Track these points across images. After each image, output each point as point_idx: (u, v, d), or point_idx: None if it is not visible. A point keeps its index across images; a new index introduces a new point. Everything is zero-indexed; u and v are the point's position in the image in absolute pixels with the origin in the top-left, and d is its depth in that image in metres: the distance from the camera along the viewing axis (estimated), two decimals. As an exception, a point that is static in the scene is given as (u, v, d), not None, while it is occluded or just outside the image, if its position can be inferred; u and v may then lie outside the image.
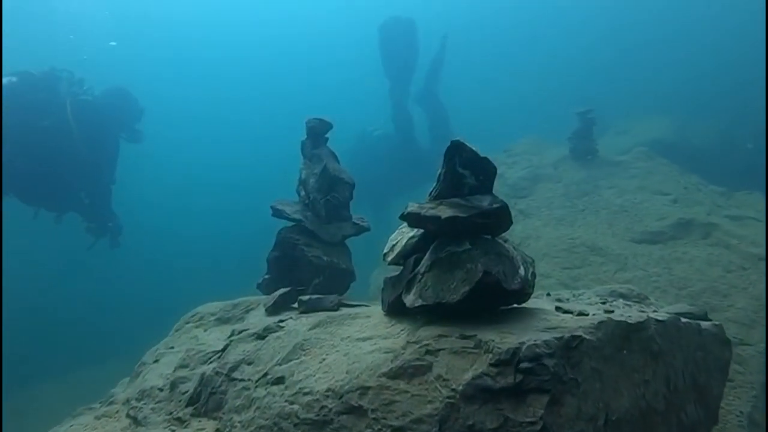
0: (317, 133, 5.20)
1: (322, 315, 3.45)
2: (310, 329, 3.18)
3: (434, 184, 2.79)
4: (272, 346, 3.29)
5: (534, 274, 2.82)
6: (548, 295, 4.26)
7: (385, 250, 3.09)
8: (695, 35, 21.60)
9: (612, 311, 2.90)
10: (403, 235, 3.02)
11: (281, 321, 3.74)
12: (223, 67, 29.43)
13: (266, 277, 5.24)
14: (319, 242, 5.06)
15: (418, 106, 16.46)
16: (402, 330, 2.78)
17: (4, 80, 8.11)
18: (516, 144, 12.38)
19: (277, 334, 3.43)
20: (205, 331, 4.51)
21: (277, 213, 5.24)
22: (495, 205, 2.58)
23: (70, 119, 8.42)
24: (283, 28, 30.62)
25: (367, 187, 15.06)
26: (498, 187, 3.04)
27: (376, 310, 3.27)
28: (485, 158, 2.66)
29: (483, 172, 2.66)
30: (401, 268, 3.04)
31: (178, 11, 29.36)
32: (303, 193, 5.15)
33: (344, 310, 3.66)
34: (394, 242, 3.06)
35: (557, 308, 2.84)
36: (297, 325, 3.48)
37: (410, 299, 2.67)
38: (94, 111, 8.96)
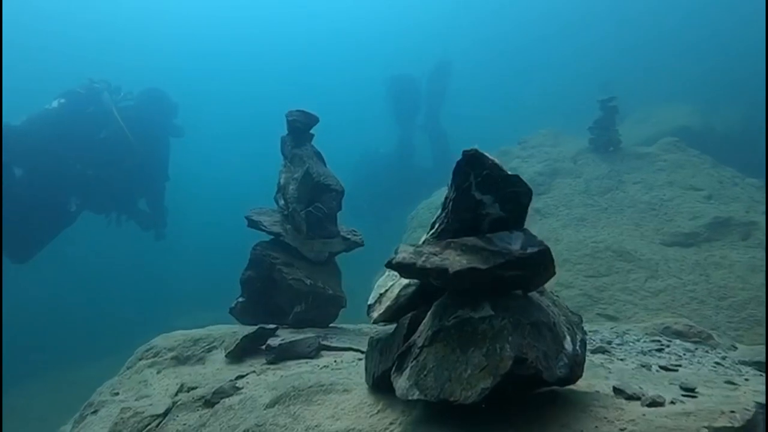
0: (299, 128, 4.30)
1: (290, 378, 2.59)
2: (268, 406, 2.31)
3: (438, 214, 1.91)
4: (220, 422, 2.43)
5: (584, 343, 1.94)
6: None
7: (370, 301, 2.22)
8: (710, 20, 20.45)
9: (693, 389, 2.01)
10: (395, 281, 2.13)
11: (241, 377, 2.90)
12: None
13: (240, 300, 4.38)
14: (301, 261, 4.18)
15: (423, 133, 17.81)
16: (391, 424, 1.92)
17: (54, 102, 8.45)
18: (531, 136, 11.36)
19: (229, 401, 2.58)
20: (158, 372, 3.66)
21: (253, 224, 4.37)
22: (531, 250, 1.69)
23: (123, 126, 8.78)
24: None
25: (372, 197, 15.45)
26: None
27: (359, 377, 2.40)
28: (515, 177, 1.77)
29: (511, 197, 1.77)
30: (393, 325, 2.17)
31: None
32: (282, 201, 4.27)
33: (320, 370, 2.79)
34: (383, 290, 2.18)
35: (616, 391, 1.95)
36: (257, 388, 2.63)
37: (402, 386, 1.80)
38: (137, 115, 9.27)
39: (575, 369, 1.79)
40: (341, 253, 4.32)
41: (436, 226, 1.88)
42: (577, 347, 1.86)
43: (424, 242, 1.85)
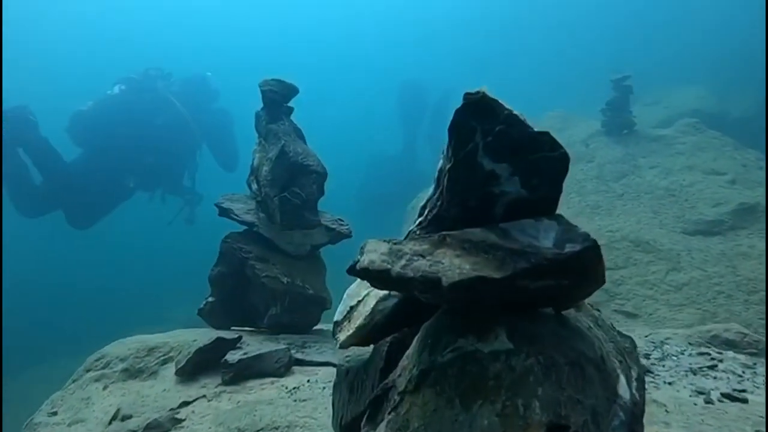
0: (275, 100, 3.68)
1: (240, 412, 1.99)
2: (203, 455, 1.72)
3: (430, 195, 1.30)
4: (146, 473, 1.85)
5: (642, 382, 1.34)
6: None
7: (336, 317, 1.60)
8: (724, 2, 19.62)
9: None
10: (371, 290, 1.52)
11: (186, 404, 2.31)
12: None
13: (209, 300, 3.80)
14: (278, 255, 3.59)
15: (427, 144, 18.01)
16: (362, 499, 1.32)
17: (115, 88, 8.84)
18: (540, 119, 10.68)
19: (164, 440, 2.00)
20: (105, 388, 3.09)
21: (224, 213, 3.78)
22: (571, 248, 1.07)
23: (185, 112, 9.05)
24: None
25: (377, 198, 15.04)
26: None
27: (328, 413, 1.80)
28: (545, 135, 1.16)
29: (539, 167, 1.16)
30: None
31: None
32: (255, 186, 3.66)
33: (284, 398, 2.20)
34: (354, 302, 1.57)
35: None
36: (202, 422, 2.05)
37: (375, 452, 1.20)
38: (180, 101, 9.49)
39: (634, 427, 1.18)
40: (326, 245, 3.73)
41: (426, 211, 1.27)
42: (634, 390, 1.25)
43: (408, 236, 1.24)
